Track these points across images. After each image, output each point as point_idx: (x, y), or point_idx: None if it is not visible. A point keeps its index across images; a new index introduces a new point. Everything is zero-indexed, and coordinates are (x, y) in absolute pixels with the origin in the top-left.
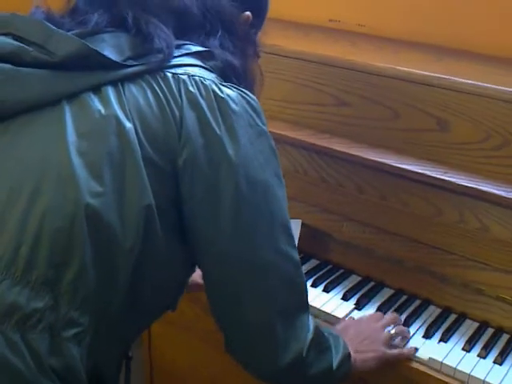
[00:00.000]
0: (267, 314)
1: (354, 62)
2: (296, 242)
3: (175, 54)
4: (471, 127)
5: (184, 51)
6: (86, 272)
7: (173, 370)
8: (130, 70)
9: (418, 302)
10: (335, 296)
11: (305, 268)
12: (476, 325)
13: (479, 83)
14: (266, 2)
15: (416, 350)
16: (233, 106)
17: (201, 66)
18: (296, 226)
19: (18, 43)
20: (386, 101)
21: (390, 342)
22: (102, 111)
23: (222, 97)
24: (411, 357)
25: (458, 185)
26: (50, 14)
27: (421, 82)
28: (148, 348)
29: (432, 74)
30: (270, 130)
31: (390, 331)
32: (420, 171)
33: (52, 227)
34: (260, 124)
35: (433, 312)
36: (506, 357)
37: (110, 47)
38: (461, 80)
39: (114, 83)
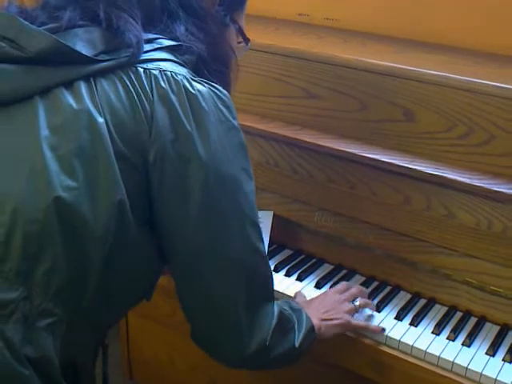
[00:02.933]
0: (234, 306)
1: (321, 54)
2: (268, 233)
3: (147, 49)
4: (436, 117)
5: (156, 45)
6: (58, 264)
7: (152, 363)
8: (102, 64)
9: (388, 288)
10: (308, 284)
11: (278, 258)
12: (445, 309)
13: (443, 73)
14: None
15: (383, 330)
16: (203, 102)
17: (173, 61)
18: (268, 217)
19: None
20: (354, 92)
21: (353, 312)
22: (74, 106)
23: (192, 93)
24: (378, 331)
25: (425, 173)
26: (22, 9)
27: (386, 73)
28: (126, 342)
29: (397, 65)
30: (241, 122)
31: (354, 304)
32: (388, 160)
33: (25, 220)
34: (230, 119)
35: (403, 297)
36: (473, 339)
37: (83, 42)
38: (425, 71)
39: (86, 78)
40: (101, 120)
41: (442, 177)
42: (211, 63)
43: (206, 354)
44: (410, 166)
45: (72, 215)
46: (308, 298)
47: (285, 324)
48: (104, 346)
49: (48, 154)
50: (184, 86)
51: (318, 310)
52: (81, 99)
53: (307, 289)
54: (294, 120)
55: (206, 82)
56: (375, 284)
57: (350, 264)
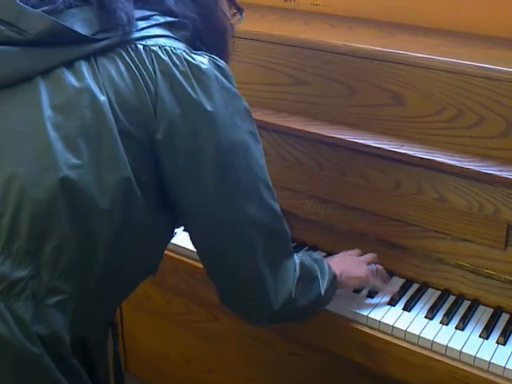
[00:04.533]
0: (255, 265)
1: (307, 40)
2: None
3: (144, 25)
4: (425, 100)
5: (153, 22)
6: (66, 241)
7: (146, 355)
8: (101, 43)
9: None
10: None
11: None
12: (438, 293)
13: (431, 56)
14: None
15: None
16: (205, 71)
17: (170, 37)
18: None
19: None
20: (341, 77)
21: (372, 273)
22: (76, 85)
23: (194, 63)
24: (395, 296)
25: (415, 157)
26: None
27: (374, 57)
28: (121, 334)
29: (384, 49)
30: None
31: (372, 266)
32: (377, 145)
33: (31, 199)
34: (231, 88)
35: (395, 283)
36: (467, 322)
37: (80, 21)
38: (413, 54)
39: (86, 57)
40: (103, 98)
41: (432, 160)
42: (207, 34)
43: (200, 345)
44: (400, 151)
45: (78, 193)
46: None
47: (307, 274)
48: (113, 324)
49: (52, 133)
50: (185, 58)
51: (339, 264)
52: (82, 78)
53: None
54: (282, 107)
55: (205, 54)
56: None
57: (341, 251)
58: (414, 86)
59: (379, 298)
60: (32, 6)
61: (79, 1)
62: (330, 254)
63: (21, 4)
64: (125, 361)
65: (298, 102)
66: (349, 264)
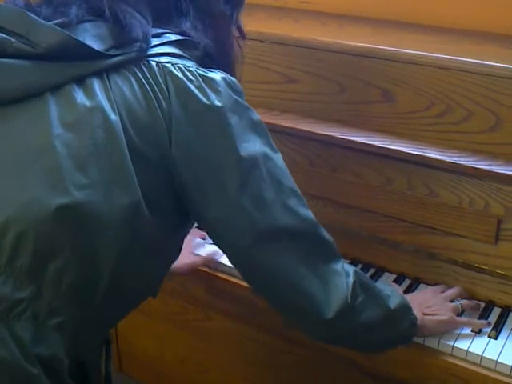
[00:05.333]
0: (297, 275)
1: (297, 38)
2: None
3: (156, 43)
4: (415, 96)
5: (165, 39)
6: (70, 263)
7: (141, 355)
8: (113, 59)
9: (373, 270)
10: None
11: None
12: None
13: (420, 52)
14: None
15: (489, 323)
16: (219, 83)
17: (181, 56)
18: None
19: (1, 34)
20: (332, 75)
21: (457, 311)
22: (87, 103)
23: (208, 76)
24: (482, 327)
25: (405, 153)
26: (28, 3)
27: (363, 54)
28: (115, 336)
29: (374, 46)
30: None
31: (456, 303)
32: (368, 142)
33: (37, 219)
34: (242, 101)
35: (388, 278)
36: (459, 317)
37: (93, 37)
38: (402, 50)
39: (98, 74)
40: (114, 117)
41: (422, 156)
42: (218, 59)
43: (195, 345)
44: (391, 147)
45: (84, 215)
46: None
47: (367, 282)
48: (107, 342)
49: (62, 151)
50: (198, 73)
51: (420, 304)
52: (93, 96)
53: None
54: (274, 105)
55: (217, 71)
56: (359, 266)
57: None
58: (404, 83)
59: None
60: (44, 19)
61: (93, 15)
62: None
63: (32, 16)
64: (120, 362)
65: (289, 100)
66: (431, 302)
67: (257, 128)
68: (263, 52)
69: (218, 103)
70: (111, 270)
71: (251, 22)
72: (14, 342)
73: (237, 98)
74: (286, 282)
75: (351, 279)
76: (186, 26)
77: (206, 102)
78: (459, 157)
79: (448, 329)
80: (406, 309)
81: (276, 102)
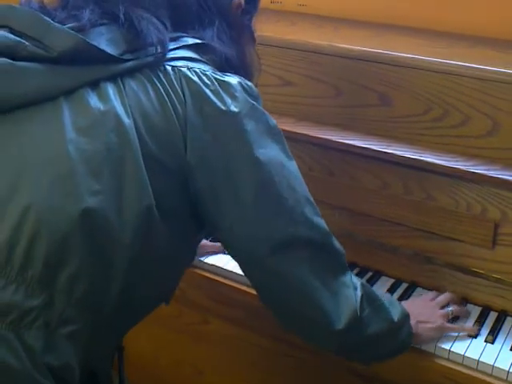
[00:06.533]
0: (306, 281)
1: (294, 41)
2: None
3: (172, 47)
4: (412, 100)
5: (181, 43)
6: (82, 271)
7: (136, 360)
8: (128, 64)
9: (369, 274)
10: None
11: None
12: (426, 292)
13: (417, 56)
14: None
15: (479, 329)
16: (235, 86)
17: (198, 60)
18: None
19: (15, 37)
20: (329, 78)
21: (447, 318)
22: (101, 107)
23: (224, 80)
24: (473, 333)
25: (402, 157)
26: (42, 6)
27: (360, 57)
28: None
29: (370, 50)
30: None
31: (447, 310)
32: (365, 145)
33: (49, 228)
34: (260, 107)
35: (385, 283)
36: (455, 322)
37: (107, 41)
38: (399, 54)
39: (113, 78)
40: (128, 121)
41: (419, 160)
42: (239, 68)
43: (191, 348)
44: (388, 151)
45: (97, 222)
46: None
47: (374, 295)
48: (120, 348)
49: (75, 156)
50: (215, 78)
51: (412, 312)
52: (107, 100)
53: None
54: (271, 108)
55: (233, 76)
56: (357, 270)
57: None
58: (400, 86)
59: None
60: (58, 23)
61: (107, 19)
62: None
63: (47, 19)
64: (118, 363)
65: (287, 104)
66: (422, 310)
67: (273, 134)
68: (260, 55)
69: (234, 108)
70: (123, 278)
71: None
72: (24, 351)
73: (253, 102)
74: (297, 292)
75: (359, 292)
76: (208, 35)
77: (222, 107)
78: (456, 161)
79: (438, 335)
80: (405, 319)
81: (273, 105)
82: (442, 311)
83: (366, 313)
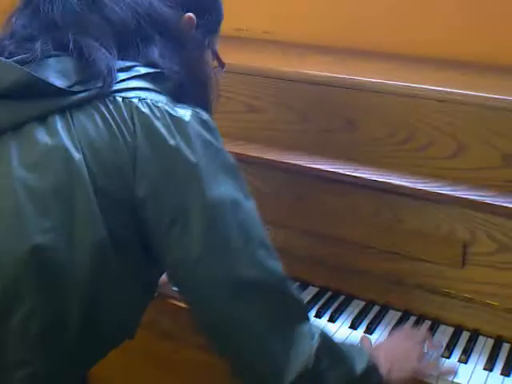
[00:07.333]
0: (258, 333)
1: (260, 68)
2: None
3: (124, 77)
4: (378, 124)
5: (133, 73)
6: (35, 312)
7: None
8: (77, 96)
9: (341, 298)
10: None
11: None
12: (399, 314)
13: (381, 81)
14: (211, 0)
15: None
16: (188, 124)
17: (151, 89)
18: None
19: None
20: (295, 104)
21: (422, 358)
22: (49, 142)
23: (176, 116)
24: (451, 373)
25: (370, 180)
26: None
27: (326, 83)
28: None
29: (336, 75)
30: None
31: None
32: (332, 169)
33: None
34: (215, 142)
35: (357, 306)
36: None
37: (56, 73)
38: (364, 79)
39: (61, 111)
40: (78, 156)
41: (386, 183)
42: (191, 87)
43: (162, 378)
44: (356, 174)
45: (49, 261)
46: None
47: (332, 347)
48: (84, 381)
49: (22, 193)
50: (167, 111)
51: (386, 355)
52: (56, 135)
53: None
54: (238, 135)
55: (187, 107)
56: (329, 294)
57: (301, 276)
58: (365, 111)
59: (341, 322)
60: (9, 54)
61: (58, 50)
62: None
63: None
64: None
65: (255, 130)
66: (400, 356)
67: (229, 171)
68: (227, 82)
69: (184, 145)
70: (80, 316)
71: None
72: None
73: (208, 138)
74: (244, 339)
75: (315, 343)
76: (155, 54)
77: (172, 142)
78: (423, 183)
79: (413, 379)
80: (371, 371)
81: (241, 132)
82: (419, 352)
83: (323, 365)
